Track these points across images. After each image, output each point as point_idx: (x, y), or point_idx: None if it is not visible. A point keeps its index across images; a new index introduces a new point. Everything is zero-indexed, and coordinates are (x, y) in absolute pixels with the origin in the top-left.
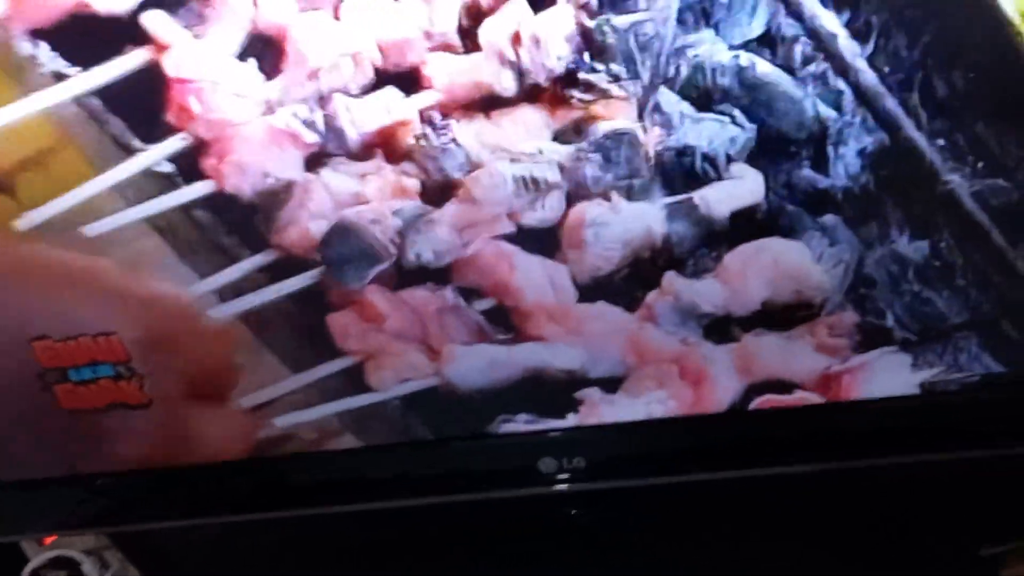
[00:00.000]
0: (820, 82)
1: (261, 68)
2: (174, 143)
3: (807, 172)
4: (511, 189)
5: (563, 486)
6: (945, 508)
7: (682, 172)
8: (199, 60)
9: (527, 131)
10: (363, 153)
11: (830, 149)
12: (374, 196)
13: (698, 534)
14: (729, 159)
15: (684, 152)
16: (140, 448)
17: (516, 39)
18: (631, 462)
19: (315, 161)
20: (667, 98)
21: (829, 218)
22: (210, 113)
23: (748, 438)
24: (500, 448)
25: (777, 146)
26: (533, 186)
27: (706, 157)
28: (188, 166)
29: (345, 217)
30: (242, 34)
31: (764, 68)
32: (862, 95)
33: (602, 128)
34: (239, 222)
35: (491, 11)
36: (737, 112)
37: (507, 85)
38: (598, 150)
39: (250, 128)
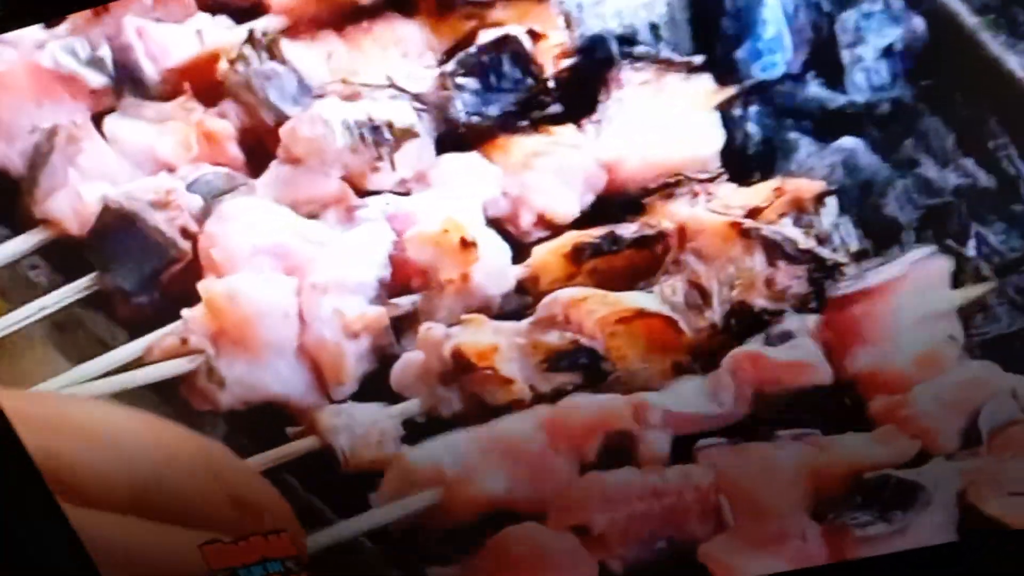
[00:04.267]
0: None
1: None
2: None
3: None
4: (342, 142)
5: None
6: None
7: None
8: None
9: (401, 53)
10: (166, 91)
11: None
12: (170, 151)
13: None
14: (656, 30)
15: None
16: None
17: None
18: None
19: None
20: None
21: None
22: None
23: None
24: None
25: None
26: (373, 136)
27: (623, 40)
28: None
29: (111, 200)
30: None
31: None
32: None
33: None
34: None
35: None
36: None
37: None
38: (471, 73)
39: (10, 76)
